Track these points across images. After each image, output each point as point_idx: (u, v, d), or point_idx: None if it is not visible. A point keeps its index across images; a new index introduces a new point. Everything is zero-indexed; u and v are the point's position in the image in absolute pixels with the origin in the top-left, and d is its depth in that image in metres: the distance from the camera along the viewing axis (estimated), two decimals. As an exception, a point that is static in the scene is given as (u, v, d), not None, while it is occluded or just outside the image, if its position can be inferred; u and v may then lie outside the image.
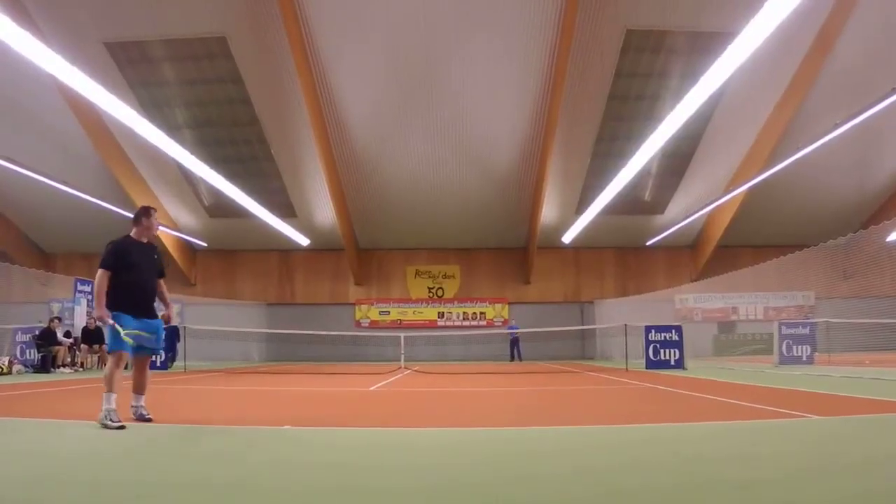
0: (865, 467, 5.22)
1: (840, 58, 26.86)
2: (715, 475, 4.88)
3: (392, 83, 28.54)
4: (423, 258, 41.58)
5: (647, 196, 36.09)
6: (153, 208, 8.72)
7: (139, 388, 8.52)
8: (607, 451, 6.27)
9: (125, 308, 8.15)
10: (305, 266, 41.28)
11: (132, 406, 8.35)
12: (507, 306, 41.18)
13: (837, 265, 27.28)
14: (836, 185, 34.19)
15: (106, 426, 7.58)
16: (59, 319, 24.48)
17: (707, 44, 25.41)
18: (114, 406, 7.73)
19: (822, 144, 21.37)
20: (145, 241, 8.59)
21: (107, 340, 8.47)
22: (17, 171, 23.69)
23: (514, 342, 36.51)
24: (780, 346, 23.90)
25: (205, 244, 37.99)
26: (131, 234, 8.50)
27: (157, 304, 8.66)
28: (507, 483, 4.71)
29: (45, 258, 40.92)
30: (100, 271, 8.10)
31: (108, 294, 8.11)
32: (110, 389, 7.82)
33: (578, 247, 39.27)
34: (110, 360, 8.14)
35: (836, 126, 19.74)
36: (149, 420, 8.21)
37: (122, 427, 7.55)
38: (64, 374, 21.48)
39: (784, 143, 28.98)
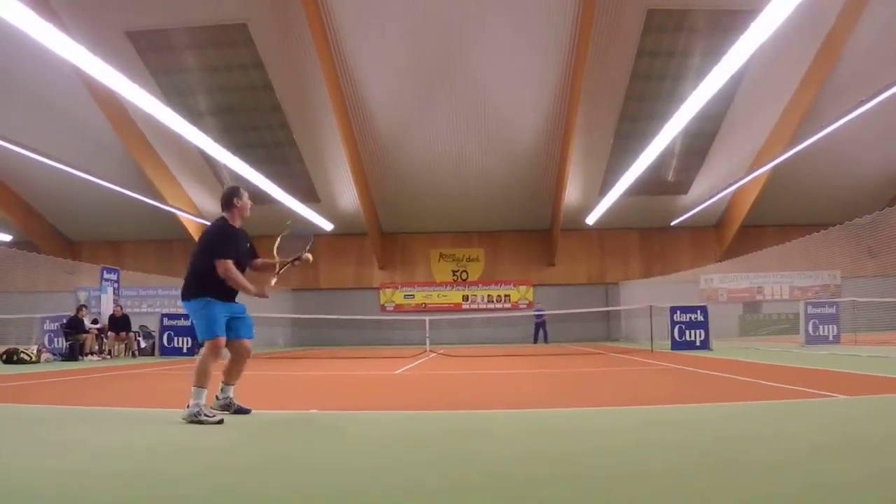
0: (893, 446, 5.21)
1: (864, 33, 26.58)
2: (741, 455, 4.88)
3: (413, 65, 28.47)
4: (447, 241, 41.53)
5: (670, 176, 35.90)
6: (240, 187, 8.16)
7: (233, 378, 7.80)
8: (633, 431, 6.29)
9: (216, 294, 7.53)
10: (329, 251, 41.25)
11: (226, 398, 7.68)
12: (531, 288, 41.11)
13: (863, 243, 27.07)
14: (862, 162, 33.87)
15: (201, 421, 7.02)
16: (86, 307, 24.66)
17: (729, 22, 25.20)
18: (204, 400, 7.18)
19: (847, 122, 21.18)
20: (239, 224, 8.09)
21: (199, 327, 7.55)
22: (41, 161, 23.83)
23: (541, 325, 36.48)
24: (807, 326, 23.83)
25: (229, 231, 38.02)
26: (226, 217, 7.94)
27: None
28: (531, 462, 4.73)
29: (70, 247, 41.18)
30: (223, 263, 7.50)
31: (203, 277, 7.52)
32: (203, 384, 7.22)
33: (602, 228, 39.09)
34: (206, 349, 7.47)
35: (861, 103, 19.55)
36: (248, 411, 7.64)
37: (221, 421, 7.13)
38: (92, 361, 21.63)
39: (808, 120, 28.70)
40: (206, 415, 7.07)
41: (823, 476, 4.20)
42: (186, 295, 7.61)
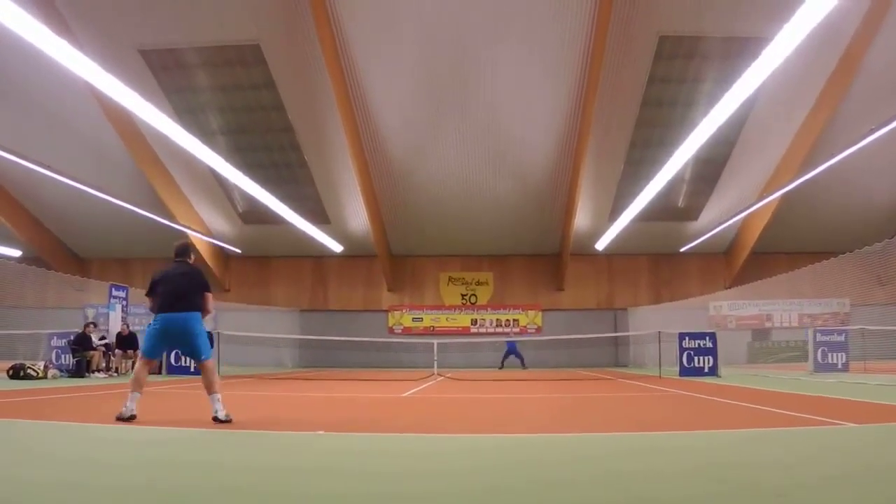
0: (901, 475, 5.18)
1: (875, 61, 26.55)
2: (749, 482, 4.86)
3: (425, 89, 28.57)
4: (457, 265, 41.55)
5: (680, 202, 35.89)
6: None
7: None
8: (640, 457, 6.27)
9: None
10: (339, 272, 41.37)
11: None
12: (540, 313, 41.05)
13: (873, 271, 26.97)
14: (872, 190, 33.78)
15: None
16: (95, 324, 24.68)
17: (740, 49, 25.20)
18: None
19: (858, 149, 21.15)
20: None
21: (206, 344, 9.39)
22: (52, 177, 23.88)
23: (509, 352, 36.26)
24: (815, 354, 23.75)
25: (239, 251, 38.17)
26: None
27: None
28: (538, 489, 4.71)
29: (80, 263, 41.29)
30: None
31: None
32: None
33: (612, 253, 39.10)
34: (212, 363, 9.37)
35: (872, 131, 19.53)
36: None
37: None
38: (98, 378, 21.65)
39: (819, 148, 28.69)
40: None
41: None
42: (197, 308, 9.38)
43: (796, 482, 4.87)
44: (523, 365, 35.67)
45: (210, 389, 8.90)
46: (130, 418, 8.50)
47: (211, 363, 9.23)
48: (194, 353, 9.39)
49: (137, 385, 8.88)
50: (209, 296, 9.46)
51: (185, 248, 10.05)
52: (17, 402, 12.33)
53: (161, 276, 9.53)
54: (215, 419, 8.53)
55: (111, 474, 5.19)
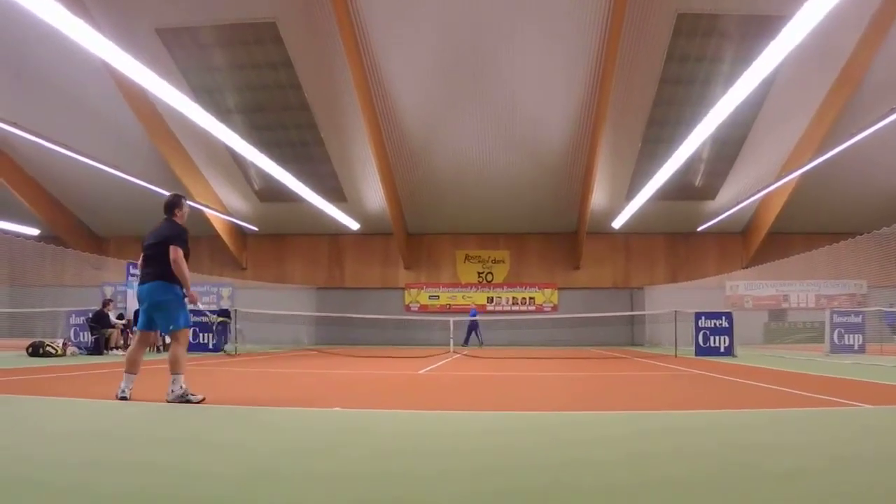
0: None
1: (896, 41, 26.44)
2: (762, 463, 4.86)
3: (442, 67, 28.46)
4: (473, 243, 41.52)
5: (698, 181, 35.71)
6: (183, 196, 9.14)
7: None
8: (654, 437, 6.27)
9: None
10: (355, 250, 41.41)
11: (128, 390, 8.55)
12: (556, 291, 41.02)
13: (891, 253, 26.80)
14: (891, 170, 33.41)
15: (188, 400, 8.18)
16: (112, 302, 24.79)
17: (759, 27, 25.03)
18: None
19: (877, 130, 21.01)
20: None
21: (179, 318, 8.61)
22: (70, 157, 23.97)
23: (473, 327, 36.25)
24: (832, 335, 23.65)
25: (255, 228, 38.28)
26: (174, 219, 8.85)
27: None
28: (554, 467, 4.72)
29: (97, 242, 41.51)
30: (181, 252, 8.47)
31: (169, 266, 8.44)
32: (183, 370, 8.36)
33: (628, 232, 39.01)
34: (184, 341, 8.62)
35: (893, 111, 19.42)
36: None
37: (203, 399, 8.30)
38: (116, 356, 21.75)
39: (838, 127, 28.47)
40: (192, 395, 8.27)
41: (842, 487, 4.17)
42: (168, 277, 8.53)
43: (808, 464, 4.87)
44: (466, 343, 35.47)
45: (172, 369, 8.33)
46: (122, 399, 8.27)
47: (182, 334, 8.61)
48: (161, 325, 8.77)
49: (130, 366, 8.59)
50: (172, 248, 8.39)
51: (169, 203, 8.91)
52: (37, 378, 12.44)
53: (144, 239, 8.91)
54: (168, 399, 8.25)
55: (131, 450, 5.23)
